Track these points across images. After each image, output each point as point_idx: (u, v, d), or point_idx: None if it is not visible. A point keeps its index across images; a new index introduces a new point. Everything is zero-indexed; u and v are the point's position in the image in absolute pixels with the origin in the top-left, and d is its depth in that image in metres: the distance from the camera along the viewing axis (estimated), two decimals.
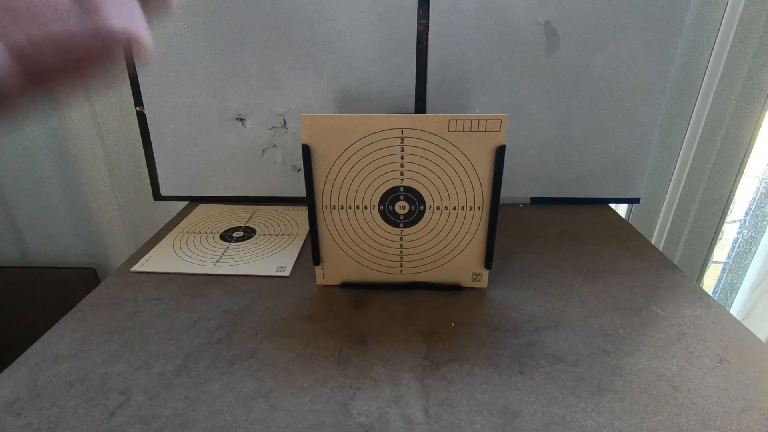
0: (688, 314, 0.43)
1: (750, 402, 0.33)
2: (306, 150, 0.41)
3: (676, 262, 0.81)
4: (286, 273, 0.49)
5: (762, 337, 0.97)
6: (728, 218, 0.93)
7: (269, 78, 0.61)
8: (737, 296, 0.99)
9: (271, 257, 0.52)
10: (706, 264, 0.83)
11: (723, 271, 0.98)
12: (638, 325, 0.41)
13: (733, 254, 0.97)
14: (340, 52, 0.59)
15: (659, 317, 0.42)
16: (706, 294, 0.46)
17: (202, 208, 0.66)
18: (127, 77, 0.61)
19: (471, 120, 0.39)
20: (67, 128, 0.73)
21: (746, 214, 0.93)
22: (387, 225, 0.44)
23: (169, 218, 0.64)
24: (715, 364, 0.37)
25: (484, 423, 0.32)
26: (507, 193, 0.67)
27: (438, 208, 0.43)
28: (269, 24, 0.58)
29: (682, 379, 0.35)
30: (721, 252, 0.97)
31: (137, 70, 0.60)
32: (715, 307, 0.44)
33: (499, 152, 0.40)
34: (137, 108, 0.62)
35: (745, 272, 0.98)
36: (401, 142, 0.40)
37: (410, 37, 0.59)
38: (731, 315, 0.42)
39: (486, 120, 0.39)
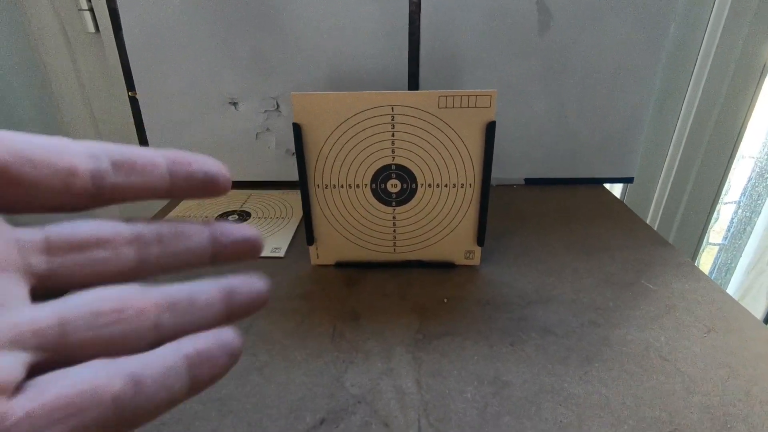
0: (678, 288, 0.43)
1: (735, 369, 0.33)
2: (297, 129, 0.41)
3: (670, 242, 0.81)
4: (281, 254, 0.50)
5: (758, 315, 0.98)
6: (725, 199, 0.93)
7: (261, 61, 0.61)
8: (733, 277, 1.00)
9: (266, 239, 0.53)
10: (701, 244, 0.84)
11: (719, 252, 0.99)
12: (629, 298, 0.42)
13: (729, 235, 0.98)
14: (332, 34, 0.59)
15: (649, 291, 0.43)
16: (697, 268, 0.46)
17: None
18: (119, 63, 0.61)
19: (461, 96, 0.39)
20: (62, 112, 0.73)
21: (742, 195, 0.93)
22: (379, 204, 0.44)
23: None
24: (703, 334, 0.37)
25: (474, 392, 0.32)
26: (501, 174, 0.68)
27: (430, 185, 0.43)
28: (261, 7, 0.57)
29: (670, 349, 0.36)
30: (717, 234, 0.98)
31: (129, 55, 0.60)
32: (704, 281, 0.44)
33: (490, 128, 0.40)
34: (129, 93, 0.62)
35: (741, 253, 0.98)
36: (392, 120, 0.40)
37: (402, 17, 0.58)
38: (720, 288, 0.43)
39: (476, 96, 0.39)
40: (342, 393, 0.32)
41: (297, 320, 0.40)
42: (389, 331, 0.38)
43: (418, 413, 0.31)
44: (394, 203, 0.44)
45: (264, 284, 0.17)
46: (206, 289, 0.16)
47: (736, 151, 0.74)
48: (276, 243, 0.52)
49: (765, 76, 0.68)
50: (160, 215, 0.60)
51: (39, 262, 0.13)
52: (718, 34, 0.64)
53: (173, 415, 0.31)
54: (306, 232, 0.46)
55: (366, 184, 0.43)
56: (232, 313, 0.16)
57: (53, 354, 0.12)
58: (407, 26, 0.59)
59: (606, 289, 0.43)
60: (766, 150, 0.87)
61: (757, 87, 0.68)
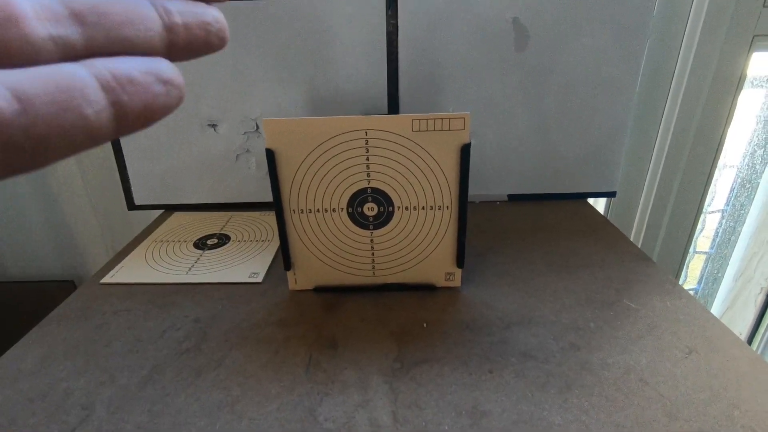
0: (660, 306, 0.43)
1: (716, 391, 0.33)
2: (270, 154, 0.40)
3: (656, 254, 0.81)
4: (259, 279, 0.49)
5: (746, 325, 0.98)
6: (710, 208, 0.94)
7: (241, 83, 0.60)
8: (721, 286, 1.00)
9: (244, 264, 0.52)
10: (686, 255, 0.84)
11: (706, 261, 0.99)
12: (610, 318, 0.41)
13: (715, 244, 0.98)
14: (311, 55, 0.59)
15: (631, 310, 0.42)
16: (678, 285, 0.46)
17: (177, 216, 0.65)
18: None
19: (434, 119, 0.39)
20: None
21: (726, 204, 0.94)
22: (356, 227, 0.43)
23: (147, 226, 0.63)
24: (684, 355, 0.37)
25: (452, 424, 0.31)
26: (483, 191, 0.67)
27: (407, 208, 0.43)
28: (240, 28, 0.57)
29: (651, 372, 0.35)
30: (704, 243, 0.98)
31: None
32: (686, 299, 0.44)
33: (465, 150, 0.40)
34: None
35: (728, 262, 0.99)
36: (366, 144, 0.40)
37: (380, 37, 0.59)
38: (702, 306, 0.43)
39: (449, 119, 0.39)
40: (315, 429, 0.31)
41: (272, 350, 0.39)
42: (367, 359, 0.37)
43: None
44: (371, 227, 0.43)
45: (217, 12, 0.14)
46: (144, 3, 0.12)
47: (717, 160, 0.74)
48: (254, 267, 0.51)
49: (742, 87, 0.69)
50: (140, 237, 0.59)
51: None
52: (694, 47, 0.65)
53: None
54: (283, 257, 0.45)
55: (342, 208, 0.43)
56: (174, 38, 0.13)
57: None
58: (386, 46, 0.59)
59: (587, 308, 0.43)
60: (746, 159, 0.88)
61: (734, 97, 0.69)
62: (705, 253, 0.99)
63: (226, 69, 0.59)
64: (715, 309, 1.00)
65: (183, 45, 0.13)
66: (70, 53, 0.11)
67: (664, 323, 0.40)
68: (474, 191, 0.67)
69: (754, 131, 0.83)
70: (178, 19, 0.13)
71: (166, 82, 0.13)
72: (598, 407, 0.32)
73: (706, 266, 0.99)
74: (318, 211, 0.43)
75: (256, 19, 0.57)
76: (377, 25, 0.58)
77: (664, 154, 0.73)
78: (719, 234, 0.97)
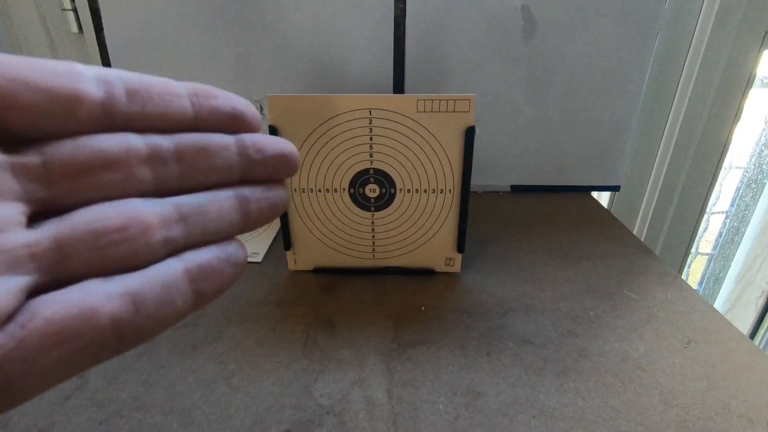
0: (660, 298, 0.42)
1: (714, 381, 0.33)
2: (273, 131, 0.40)
3: (657, 251, 0.81)
4: (258, 259, 0.49)
5: (746, 326, 0.97)
6: (714, 209, 0.93)
7: (246, 65, 0.60)
8: (723, 287, 1.00)
9: (245, 244, 0.51)
10: (688, 254, 0.83)
11: (709, 261, 0.98)
12: (609, 308, 0.41)
13: (719, 245, 0.98)
14: (317, 39, 0.59)
15: (631, 300, 0.42)
16: (680, 278, 0.45)
17: None
18: (101, 64, 0.60)
19: (440, 100, 0.38)
20: None
21: (731, 205, 0.94)
22: (358, 209, 0.43)
23: None
24: (683, 345, 0.36)
25: (446, 403, 0.31)
26: (486, 181, 0.67)
27: (409, 191, 0.42)
28: (245, 10, 0.57)
29: (649, 361, 0.35)
30: (707, 244, 0.98)
31: (110, 56, 0.59)
32: (687, 291, 0.43)
33: (469, 133, 0.39)
34: None
35: (730, 263, 0.98)
36: (369, 123, 0.40)
37: (388, 22, 0.58)
38: (702, 298, 0.42)
39: (455, 100, 0.38)
40: (310, 403, 0.31)
41: (270, 327, 0.39)
42: (364, 339, 0.37)
43: (387, 425, 0.29)
44: (372, 208, 0.43)
45: (283, 190, 0.16)
46: (220, 198, 0.15)
47: (723, 160, 0.74)
48: (254, 248, 0.51)
49: (751, 86, 0.68)
50: None
51: (36, 189, 0.12)
52: (704, 43, 0.64)
53: (132, 428, 0.29)
54: (283, 236, 0.45)
55: (344, 189, 0.42)
56: (248, 221, 0.15)
57: (53, 277, 0.11)
58: (393, 31, 0.58)
59: (587, 298, 0.42)
60: (754, 160, 0.87)
61: (743, 96, 0.68)
62: (707, 254, 0.99)
63: (231, 51, 0.59)
64: None
65: (254, 225, 0.16)
66: (172, 249, 0.13)
67: (664, 314, 0.40)
68: (477, 181, 0.67)
69: (763, 130, 0.82)
70: (254, 210, 0.15)
71: (235, 265, 0.15)
72: (594, 392, 0.32)
73: (708, 267, 0.99)
74: (320, 190, 0.42)
75: (261, 3, 0.56)
76: (385, 9, 0.57)
77: (670, 151, 0.72)
78: (723, 235, 0.96)
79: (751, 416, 0.30)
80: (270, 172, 0.15)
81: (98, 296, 0.11)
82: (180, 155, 0.14)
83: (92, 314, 0.11)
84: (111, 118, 0.13)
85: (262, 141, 0.15)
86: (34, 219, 0.12)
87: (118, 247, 0.12)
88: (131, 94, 0.13)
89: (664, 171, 0.74)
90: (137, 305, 0.12)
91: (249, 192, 0.15)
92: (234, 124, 0.15)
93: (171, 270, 0.13)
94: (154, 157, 0.13)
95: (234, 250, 0.15)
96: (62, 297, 0.11)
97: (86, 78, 0.12)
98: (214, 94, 0.15)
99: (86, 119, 0.12)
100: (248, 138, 0.15)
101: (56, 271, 0.12)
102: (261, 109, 0.62)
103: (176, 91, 0.14)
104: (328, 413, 0.30)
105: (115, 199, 0.13)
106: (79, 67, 0.12)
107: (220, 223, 0.14)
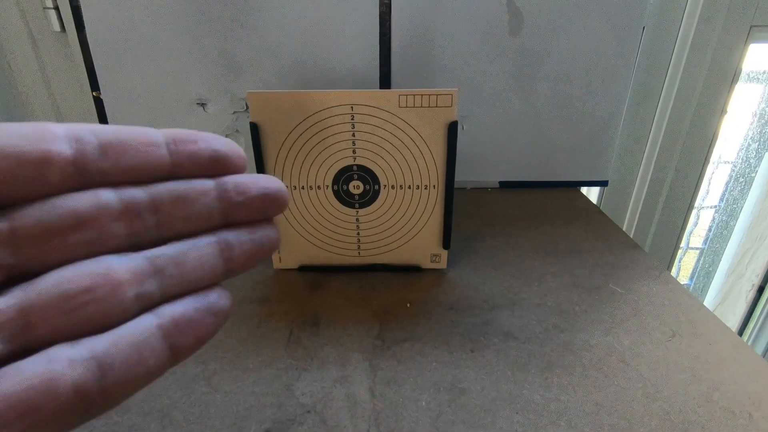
0: (645, 291, 0.42)
1: (697, 373, 0.33)
2: (254, 128, 0.39)
3: (647, 246, 0.81)
4: None
5: (736, 320, 0.98)
6: (704, 204, 0.94)
7: (230, 62, 0.59)
8: (713, 281, 1.00)
9: None
10: (677, 249, 0.84)
11: (699, 255, 0.99)
12: (595, 302, 0.41)
13: (708, 240, 0.98)
14: (302, 35, 0.58)
15: (616, 294, 0.42)
16: (666, 272, 0.45)
17: None
18: (83, 62, 0.59)
19: (421, 95, 0.38)
20: (28, 113, 0.71)
21: (720, 199, 0.94)
22: (342, 206, 0.43)
23: None
24: (667, 338, 0.36)
25: (429, 400, 0.31)
26: (474, 177, 0.67)
27: (393, 187, 0.42)
28: (229, 6, 0.56)
29: (633, 354, 0.35)
30: (697, 239, 0.98)
31: (92, 54, 0.59)
32: (672, 284, 0.43)
33: (452, 128, 0.39)
34: (93, 93, 0.60)
35: (721, 257, 0.99)
36: (352, 119, 0.39)
37: (373, 18, 0.58)
38: (688, 291, 0.42)
39: (437, 95, 0.38)
40: (291, 402, 0.31)
41: (252, 326, 0.38)
42: (348, 336, 0.37)
43: (369, 423, 0.29)
44: (357, 205, 0.43)
45: (271, 229, 0.15)
46: (199, 245, 0.14)
47: (711, 154, 0.74)
48: None
49: (737, 80, 0.68)
50: None
51: (3, 256, 0.11)
52: (690, 38, 0.64)
53: (110, 429, 0.29)
54: None
55: (328, 186, 0.42)
56: (232, 266, 0.15)
57: (19, 345, 0.11)
58: (378, 28, 0.58)
59: (573, 292, 0.42)
60: (742, 155, 0.87)
61: (729, 91, 0.69)
62: (698, 249, 0.99)
63: (215, 47, 0.58)
64: (707, 304, 1.00)
65: (240, 268, 0.15)
66: (147, 304, 0.13)
67: (649, 307, 0.40)
68: (464, 177, 0.67)
69: (751, 125, 0.82)
70: (238, 254, 0.15)
71: (217, 314, 0.14)
72: (578, 386, 0.32)
73: (698, 262, 0.99)
74: (303, 188, 0.42)
75: None
76: (370, 5, 0.57)
77: (658, 146, 0.72)
78: (712, 229, 0.97)
79: (734, 408, 0.30)
80: (255, 212, 0.15)
81: (60, 364, 0.11)
82: (156, 206, 0.13)
83: (52, 384, 0.11)
84: (84, 174, 0.12)
85: (245, 182, 0.14)
86: (2, 286, 0.11)
87: (86, 309, 0.12)
88: (104, 148, 0.12)
89: (652, 166, 0.74)
90: (103, 369, 0.11)
91: (232, 236, 0.14)
92: (216, 166, 0.14)
93: (142, 327, 0.12)
94: (129, 211, 0.13)
95: (215, 299, 0.14)
96: (23, 368, 0.11)
97: (57, 137, 0.12)
98: (193, 138, 0.14)
99: (57, 179, 0.12)
100: (230, 180, 0.14)
101: (22, 339, 0.11)
102: (246, 107, 0.62)
103: (153, 140, 0.13)
104: (309, 412, 0.30)
105: (86, 258, 0.12)
106: (50, 127, 0.12)
107: (201, 272, 0.14)
